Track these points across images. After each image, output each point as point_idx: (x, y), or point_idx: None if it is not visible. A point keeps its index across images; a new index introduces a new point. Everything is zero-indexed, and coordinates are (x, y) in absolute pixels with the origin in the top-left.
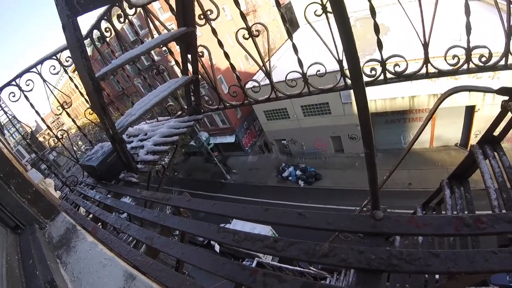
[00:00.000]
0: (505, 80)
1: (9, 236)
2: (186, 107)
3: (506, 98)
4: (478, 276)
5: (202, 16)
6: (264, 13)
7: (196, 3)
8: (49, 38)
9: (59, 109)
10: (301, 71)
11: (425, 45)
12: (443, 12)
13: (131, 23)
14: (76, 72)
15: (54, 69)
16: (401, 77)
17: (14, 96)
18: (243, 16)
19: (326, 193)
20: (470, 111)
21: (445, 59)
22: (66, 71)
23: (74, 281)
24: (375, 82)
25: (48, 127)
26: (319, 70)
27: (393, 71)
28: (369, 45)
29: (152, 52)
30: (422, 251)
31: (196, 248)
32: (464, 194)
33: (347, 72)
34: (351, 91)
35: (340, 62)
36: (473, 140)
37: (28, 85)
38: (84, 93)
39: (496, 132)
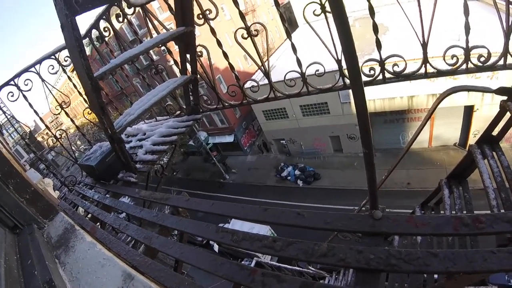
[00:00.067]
0: (504, 80)
1: (7, 236)
2: (185, 107)
3: (505, 98)
4: (477, 275)
5: (201, 16)
6: (263, 12)
7: (195, 3)
8: (49, 38)
9: (57, 109)
10: (300, 70)
11: (424, 45)
12: (442, 12)
13: (130, 23)
14: (74, 72)
15: (52, 68)
16: (400, 77)
17: (12, 96)
18: (242, 16)
19: (325, 193)
20: (468, 111)
21: (444, 59)
22: (64, 71)
23: (73, 281)
24: (374, 82)
25: (47, 126)
26: (318, 70)
27: (392, 71)
28: (368, 45)
29: (151, 51)
30: (421, 250)
31: (195, 248)
32: (463, 194)
33: (346, 72)
34: (350, 90)
35: (339, 61)
36: (472, 140)
37: (26, 84)
38: (83, 92)
39: (495, 132)
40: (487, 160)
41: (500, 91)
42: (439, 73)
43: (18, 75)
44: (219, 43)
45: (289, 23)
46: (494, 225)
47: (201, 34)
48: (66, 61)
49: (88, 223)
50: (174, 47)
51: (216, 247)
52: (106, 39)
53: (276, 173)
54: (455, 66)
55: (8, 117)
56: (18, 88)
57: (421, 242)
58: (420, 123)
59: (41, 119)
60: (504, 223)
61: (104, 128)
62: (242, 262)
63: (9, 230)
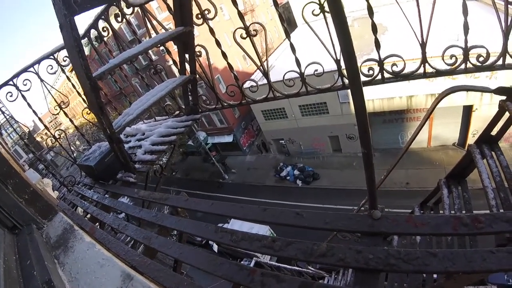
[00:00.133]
0: (503, 80)
1: (6, 237)
2: (184, 107)
3: (504, 97)
4: (476, 275)
5: (199, 16)
6: (262, 12)
7: (193, 3)
8: (49, 38)
9: (56, 109)
10: (298, 70)
11: (423, 45)
12: (441, 12)
13: (128, 23)
14: (73, 72)
15: (51, 68)
16: (398, 76)
17: (11, 96)
18: (241, 16)
19: (324, 193)
20: (467, 110)
21: (443, 59)
22: (63, 71)
23: (72, 282)
24: (372, 82)
25: (46, 127)
26: (316, 70)
27: (391, 71)
28: (367, 45)
29: (150, 51)
30: (420, 250)
31: (194, 248)
32: (462, 194)
33: (345, 72)
34: (349, 90)
35: (337, 61)
36: (471, 139)
37: (25, 84)
38: (82, 92)
39: (494, 132)
40: (486, 160)
41: (499, 91)
42: (438, 73)
43: (17, 75)
44: (218, 43)
45: (288, 23)
46: (493, 225)
47: (200, 34)
48: (65, 61)
49: (87, 223)
50: (173, 47)
51: (215, 247)
52: (105, 39)
53: (275, 173)
54: (454, 66)
55: (7, 117)
56: (17, 88)
57: (420, 242)
58: (419, 123)
59: (40, 119)
60: (503, 222)
61: (103, 128)
62: (241, 262)
63: (8, 231)
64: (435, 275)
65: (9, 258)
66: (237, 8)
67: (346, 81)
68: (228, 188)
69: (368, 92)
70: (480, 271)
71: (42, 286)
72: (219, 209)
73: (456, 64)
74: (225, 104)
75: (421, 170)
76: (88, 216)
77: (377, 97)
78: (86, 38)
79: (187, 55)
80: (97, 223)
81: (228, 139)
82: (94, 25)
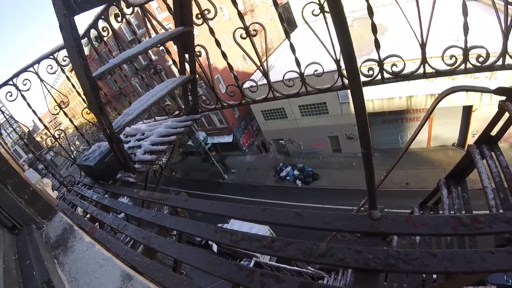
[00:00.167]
0: (502, 80)
1: (6, 237)
2: (183, 107)
3: (503, 98)
4: (475, 276)
5: (199, 16)
6: (261, 12)
7: (193, 3)
8: (49, 38)
9: (56, 109)
10: (298, 70)
11: (423, 45)
12: (441, 12)
13: (128, 23)
14: (73, 72)
15: (51, 68)
16: (398, 77)
17: (11, 95)
18: (241, 16)
19: (324, 193)
20: (467, 111)
21: (443, 59)
22: (63, 71)
23: (71, 282)
24: (372, 82)
25: (45, 127)
26: (316, 70)
27: (391, 71)
28: (367, 45)
29: (150, 51)
30: (419, 250)
31: (194, 248)
32: (462, 194)
33: (345, 72)
34: (349, 91)
35: (337, 62)
36: (471, 140)
37: (25, 84)
38: (81, 92)
39: (493, 132)
40: (485, 160)
41: (499, 91)
42: (438, 73)
43: (16, 75)
44: (218, 43)
45: (288, 23)
46: (493, 225)
47: (200, 34)
48: (64, 61)
49: (87, 223)
50: (172, 47)
51: (215, 247)
52: (105, 39)
53: (275, 173)
54: (453, 66)
55: (7, 117)
56: (17, 88)
57: (420, 242)
58: (419, 123)
59: (39, 119)
60: (502, 223)
61: (103, 128)
62: (241, 262)
63: (7, 230)
64: (434, 276)
65: (9, 258)
66: (237, 8)
67: (346, 81)
68: (227, 188)
69: (368, 92)
70: (480, 271)
71: (42, 286)
72: (218, 209)
73: (456, 65)
74: (225, 104)
75: (421, 171)
76: (88, 216)
77: (377, 97)
78: (86, 38)
79: (187, 55)
80: (97, 223)
81: (228, 139)
82: (94, 25)
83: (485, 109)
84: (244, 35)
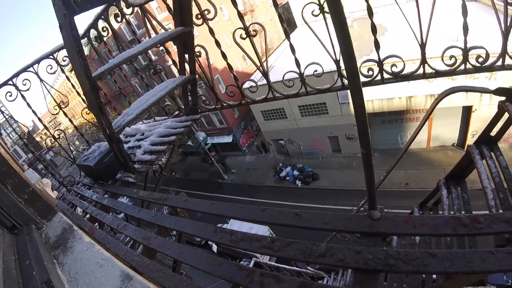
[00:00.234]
0: (502, 81)
1: (5, 237)
2: (183, 107)
3: (503, 98)
4: (475, 276)
5: (199, 16)
6: (261, 13)
7: (193, 3)
8: (49, 38)
9: (56, 109)
10: (298, 71)
11: (422, 46)
12: (440, 12)
13: (128, 23)
14: (73, 72)
15: (51, 68)
16: (398, 77)
17: (11, 95)
18: (241, 16)
19: (323, 193)
20: (467, 111)
21: (442, 60)
22: (63, 71)
23: (71, 282)
24: (372, 82)
25: (45, 127)
26: (316, 70)
27: (390, 72)
28: (366, 46)
29: (150, 51)
30: (419, 251)
31: (193, 249)
32: (461, 194)
33: (344, 72)
34: (349, 91)
35: (337, 62)
36: (470, 140)
37: (25, 84)
38: (81, 92)
39: (493, 133)
40: (485, 161)
41: (498, 91)
42: (438, 74)
43: (16, 75)
44: (218, 43)
45: (288, 24)
46: (493, 226)
47: (200, 34)
48: (64, 61)
49: (87, 224)
50: (172, 47)
51: (214, 248)
52: (105, 39)
53: (274, 173)
54: (453, 67)
55: (6, 117)
56: (17, 88)
57: (420, 243)
58: (419, 124)
59: (39, 119)
60: (502, 223)
61: (103, 128)
62: (241, 262)
63: (7, 231)
64: (434, 276)
65: (9, 258)
66: (236, 9)
67: (346, 81)
68: (227, 189)
69: (368, 93)
70: (479, 271)
71: (41, 286)
72: (218, 210)
73: (456, 65)
74: (225, 104)
75: (421, 171)
76: (88, 216)
77: (376, 98)
78: (85, 38)
79: (186, 55)
80: (97, 223)
81: (228, 139)
82: (93, 25)
83: (485, 109)
84: (244, 36)
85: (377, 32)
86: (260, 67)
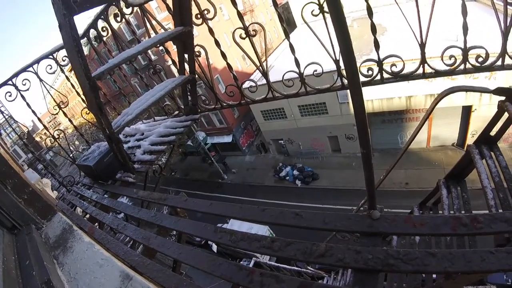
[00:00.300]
0: (502, 81)
1: (5, 237)
2: (183, 107)
3: (503, 98)
4: (475, 275)
5: (199, 16)
6: (261, 12)
7: (193, 3)
8: (49, 38)
9: (55, 109)
10: (298, 71)
11: (422, 46)
12: (440, 12)
13: (128, 23)
14: (72, 72)
15: (50, 68)
16: (398, 77)
17: (10, 95)
18: (240, 16)
19: (323, 193)
20: (467, 111)
21: (442, 60)
22: (62, 71)
23: (71, 282)
24: (372, 82)
25: (45, 127)
26: (316, 70)
27: (390, 71)
28: (366, 45)
29: (149, 51)
30: (419, 250)
31: (193, 248)
32: (461, 194)
33: (344, 72)
34: (348, 91)
35: (337, 62)
36: (470, 140)
37: (24, 84)
38: (81, 92)
39: (493, 132)
40: (485, 160)
41: (498, 91)
42: (437, 74)
43: (16, 74)
44: (217, 43)
45: (288, 23)
46: (492, 225)
47: (199, 34)
48: (64, 60)
49: (86, 224)
50: (172, 47)
51: (214, 248)
52: (104, 39)
53: (274, 173)
54: (453, 67)
55: (6, 117)
56: (16, 88)
57: (419, 242)
58: (418, 123)
59: (39, 119)
60: (502, 223)
61: (102, 128)
62: (241, 262)
63: (7, 231)
64: (434, 275)
65: (8, 258)
66: (236, 8)
67: (346, 81)
68: (227, 188)
69: (368, 93)
70: (479, 271)
71: (41, 286)
72: (218, 209)
73: (456, 65)
74: (224, 104)
75: (420, 170)
76: (87, 216)
77: (376, 98)
78: (85, 38)
79: (186, 55)
80: (96, 223)
81: (228, 139)
82: (93, 25)
83: (485, 109)
84: (244, 35)
85: (377, 32)
86: (260, 67)
